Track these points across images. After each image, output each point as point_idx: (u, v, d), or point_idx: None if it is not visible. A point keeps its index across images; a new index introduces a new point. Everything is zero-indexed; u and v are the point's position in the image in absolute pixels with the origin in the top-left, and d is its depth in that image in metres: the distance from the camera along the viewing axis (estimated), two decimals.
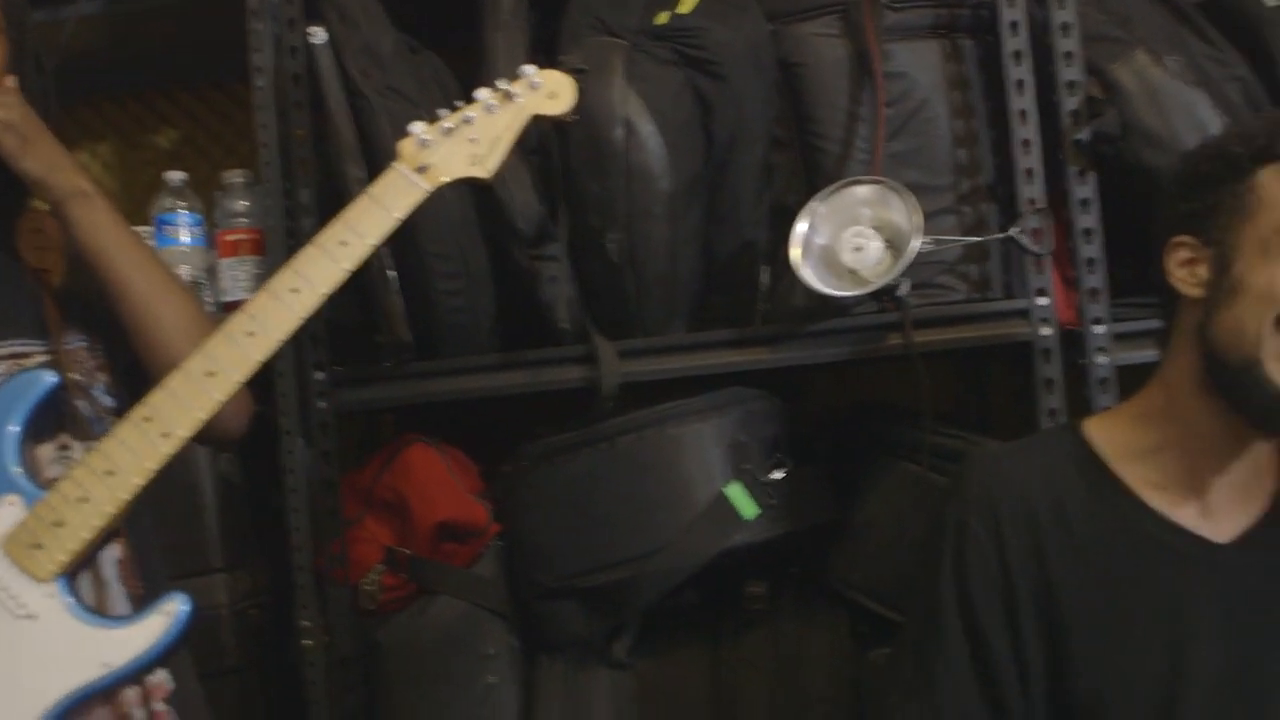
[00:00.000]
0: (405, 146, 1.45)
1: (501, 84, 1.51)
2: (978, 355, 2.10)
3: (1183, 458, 1.39)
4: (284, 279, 1.37)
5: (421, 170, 1.44)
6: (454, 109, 1.48)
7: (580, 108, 1.77)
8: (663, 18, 1.83)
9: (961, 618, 1.37)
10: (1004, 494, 1.40)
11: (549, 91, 1.53)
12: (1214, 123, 1.74)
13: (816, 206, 1.75)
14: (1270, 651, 1.33)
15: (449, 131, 1.47)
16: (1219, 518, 1.38)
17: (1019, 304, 1.84)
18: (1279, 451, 1.42)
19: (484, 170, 1.49)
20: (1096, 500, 1.39)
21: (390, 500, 1.96)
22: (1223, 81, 1.79)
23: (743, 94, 1.83)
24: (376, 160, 1.80)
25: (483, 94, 1.49)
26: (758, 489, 1.84)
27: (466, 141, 1.47)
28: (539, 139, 1.83)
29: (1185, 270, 1.38)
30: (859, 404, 2.04)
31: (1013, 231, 1.81)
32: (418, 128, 1.45)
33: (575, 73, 1.77)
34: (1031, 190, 1.82)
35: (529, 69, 1.52)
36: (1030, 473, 1.42)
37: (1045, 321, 1.83)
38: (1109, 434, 1.43)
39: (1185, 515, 1.38)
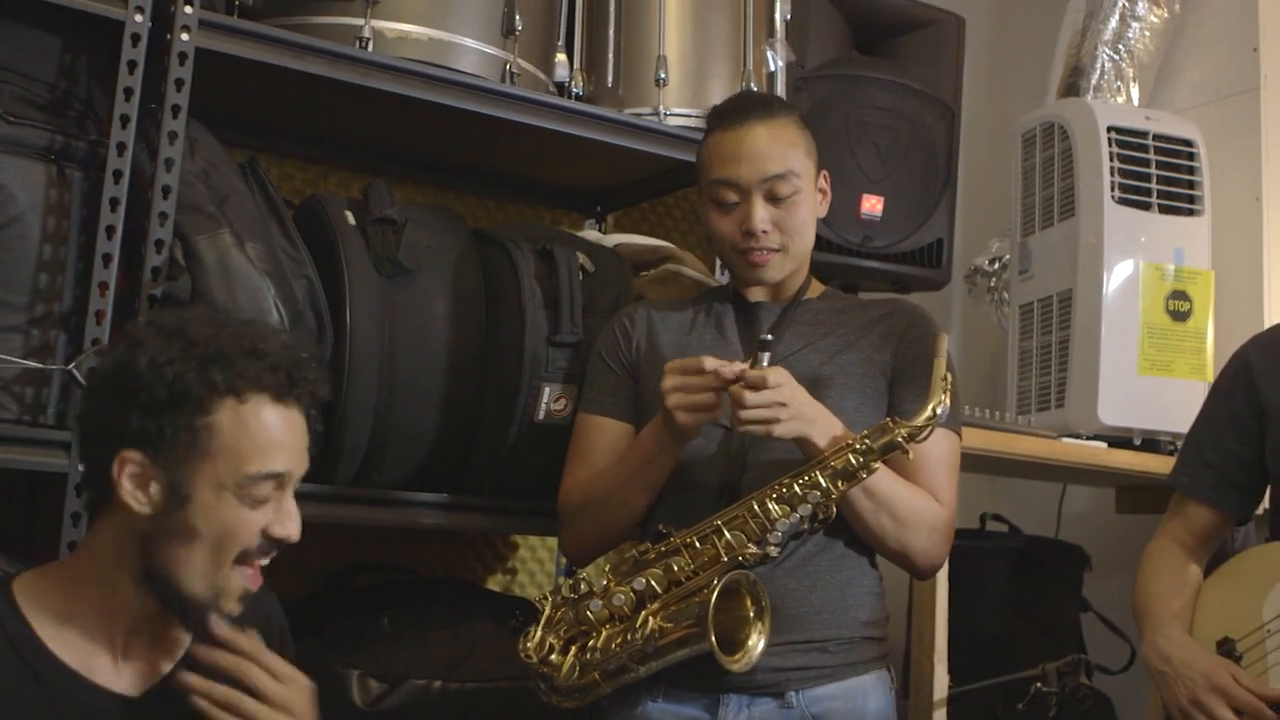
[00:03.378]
0: None
1: None
2: (37, 480, 2.10)
3: (103, 625, 1.46)
4: None
5: None
6: None
7: None
8: None
9: None
10: None
11: None
12: (274, 311, 1.91)
13: None
14: None
15: None
16: (133, 673, 1.48)
17: (65, 435, 1.88)
18: None
19: None
20: (14, 658, 1.41)
21: None
22: (292, 277, 1.98)
23: None
24: None
25: None
26: None
27: None
28: None
29: (135, 484, 1.40)
30: None
31: (71, 365, 1.86)
32: None
33: None
34: (99, 331, 1.88)
35: None
36: None
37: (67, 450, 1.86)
38: (35, 591, 1.46)
39: (101, 673, 1.45)
